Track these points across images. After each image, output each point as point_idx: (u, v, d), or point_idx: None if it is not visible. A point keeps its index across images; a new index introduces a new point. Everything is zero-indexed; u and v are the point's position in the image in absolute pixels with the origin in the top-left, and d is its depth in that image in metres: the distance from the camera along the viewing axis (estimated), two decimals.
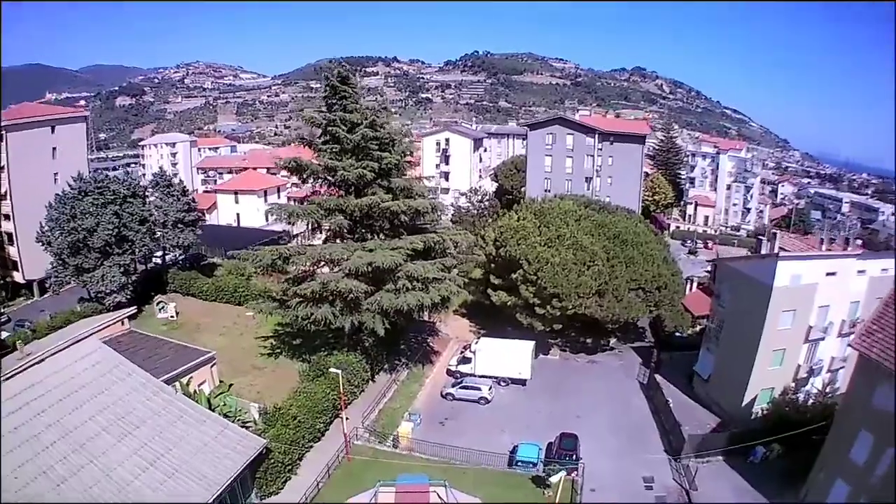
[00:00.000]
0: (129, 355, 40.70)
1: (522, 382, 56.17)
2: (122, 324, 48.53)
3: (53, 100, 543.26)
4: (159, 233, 67.15)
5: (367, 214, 47.12)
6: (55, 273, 60.14)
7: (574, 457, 42.42)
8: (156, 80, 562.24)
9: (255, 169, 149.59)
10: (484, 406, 52.72)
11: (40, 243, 60.32)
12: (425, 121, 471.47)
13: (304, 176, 49.26)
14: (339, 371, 43.03)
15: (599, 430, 48.02)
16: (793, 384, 48.61)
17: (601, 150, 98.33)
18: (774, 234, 53.76)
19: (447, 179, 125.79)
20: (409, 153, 50.57)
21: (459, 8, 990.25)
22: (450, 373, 58.17)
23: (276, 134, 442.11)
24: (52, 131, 73.12)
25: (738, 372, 48.91)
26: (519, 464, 42.60)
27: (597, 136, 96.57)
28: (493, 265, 63.41)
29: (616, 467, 43.34)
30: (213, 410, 39.03)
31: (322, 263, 48.74)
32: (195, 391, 41.70)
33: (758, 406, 48.76)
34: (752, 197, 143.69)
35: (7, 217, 69.37)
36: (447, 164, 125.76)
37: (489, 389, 53.68)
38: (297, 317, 47.74)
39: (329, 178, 47.39)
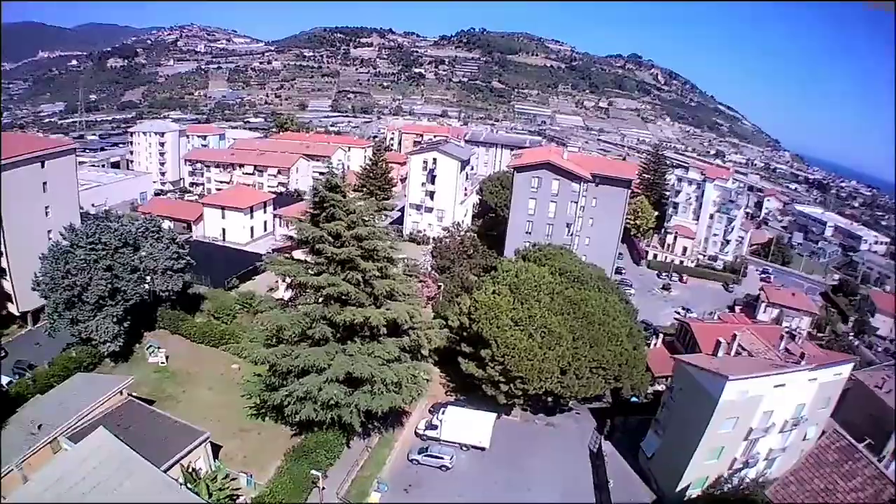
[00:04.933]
0: (131, 435, 44.48)
1: (482, 449, 61.00)
2: (122, 393, 52.02)
3: (46, 58, 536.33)
4: (149, 280, 69.76)
5: (349, 324, 50.37)
6: (50, 322, 62.63)
7: None
8: (149, 42, 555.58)
9: (241, 166, 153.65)
10: (445, 473, 57.35)
11: (37, 293, 62.54)
12: (417, 97, 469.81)
13: (293, 286, 52.52)
14: (319, 474, 47.47)
15: None
16: (727, 473, 53.16)
17: (586, 192, 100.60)
18: (735, 335, 58.41)
19: (432, 199, 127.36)
20: (391, 261, 53.53)
21: None
22: (418, 434, 62.63)
23: (266, 103, 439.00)
24: (42, 166, 72.97)
25: (677, 459, 53.90)
26: None
27: (582, 183, 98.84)
28: (465, 333, 66.49)
29: None
30: (210, 495, 44.01)
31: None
32: (193, 473, 45.97)
33: (692, 491, 53.67)
34: (733, 229, 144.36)
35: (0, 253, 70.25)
36: (433, 183, 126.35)
37: (451, 459, 58.18)
38: (283, 406, 51.38)
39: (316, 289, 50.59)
